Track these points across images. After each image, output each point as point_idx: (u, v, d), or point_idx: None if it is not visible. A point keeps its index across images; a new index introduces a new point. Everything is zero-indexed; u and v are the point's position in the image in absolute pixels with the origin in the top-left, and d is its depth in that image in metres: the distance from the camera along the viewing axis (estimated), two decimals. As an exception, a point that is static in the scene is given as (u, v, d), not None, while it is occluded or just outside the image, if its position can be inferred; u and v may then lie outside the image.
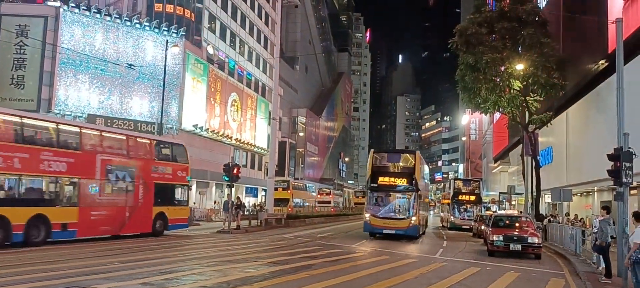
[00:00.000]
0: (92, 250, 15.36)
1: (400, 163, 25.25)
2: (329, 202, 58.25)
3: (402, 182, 23.87)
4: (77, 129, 18.66)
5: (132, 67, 34.53)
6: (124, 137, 20.84)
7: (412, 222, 23.22)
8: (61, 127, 18.13)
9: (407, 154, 26.84)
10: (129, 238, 19.51)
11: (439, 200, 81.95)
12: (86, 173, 17.90)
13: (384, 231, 23.43)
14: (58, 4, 36.09)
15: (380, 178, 24.09)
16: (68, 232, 17.20)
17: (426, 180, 29.83)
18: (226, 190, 29.07)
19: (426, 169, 31.64)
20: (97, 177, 18.37)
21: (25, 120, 16.74)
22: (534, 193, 28.55)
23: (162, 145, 23.01)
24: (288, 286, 10.39)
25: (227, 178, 25.34)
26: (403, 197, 23.81)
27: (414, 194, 23.50)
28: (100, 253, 14.55)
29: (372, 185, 24.20)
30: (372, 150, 26.26)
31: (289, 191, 43.52)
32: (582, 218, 25.66)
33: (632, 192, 20.55)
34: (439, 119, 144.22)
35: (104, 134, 19.94)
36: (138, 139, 21.72)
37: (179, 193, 22.66)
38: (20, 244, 15.44)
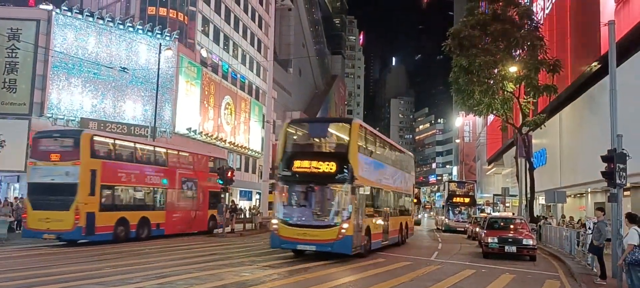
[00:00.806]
0: (89, 254, 15.27)
1: (330, 136, 17.35)
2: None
3: (328, 168, 15.40)
4: (165, 150, 23.76)
5: (125, 70, 34.34)
6: (188, 154, 25.46)
7: (344, 231, 14.92)
8: (156, 149, 23.23)
9: (340, 123, 18.87)
10: (193, 235, 23.91)
11: (434, 202, 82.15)
12: (170, 184, 22.64)
13: (298, 246, 15.64)
14: (50, 7, 35.83)
15: (297, 163, 15.82)
16: (160, 230, 21.78)
17: (381, 163, 19.65)
18: (220, 194, 29.03)
19: (389, 149, 21.66)
20: (176, 187, 23.16)
21: (137, 145, 22.08)
22: (528, 195, 28.64)
23: (211, 160, 27.07)
24: (284, 290, 10.37)
25: (221, 182, 25.31)
26: (330, 192, 15.78)
27: (347, 187, 15.22)
28: (97, 258, 14.45)
29: (285, 173, 15.91)
30: (286, 122, 18.25)
31: (283, 194, 43.30)
32: (579, 219, 25.74)
33: (626, 193, 20.65)
34: (433, 121, 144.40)
35: (180, 153, 24.81)
36: (198, 155, 26.19)
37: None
38: (134, 239, 19.73)
